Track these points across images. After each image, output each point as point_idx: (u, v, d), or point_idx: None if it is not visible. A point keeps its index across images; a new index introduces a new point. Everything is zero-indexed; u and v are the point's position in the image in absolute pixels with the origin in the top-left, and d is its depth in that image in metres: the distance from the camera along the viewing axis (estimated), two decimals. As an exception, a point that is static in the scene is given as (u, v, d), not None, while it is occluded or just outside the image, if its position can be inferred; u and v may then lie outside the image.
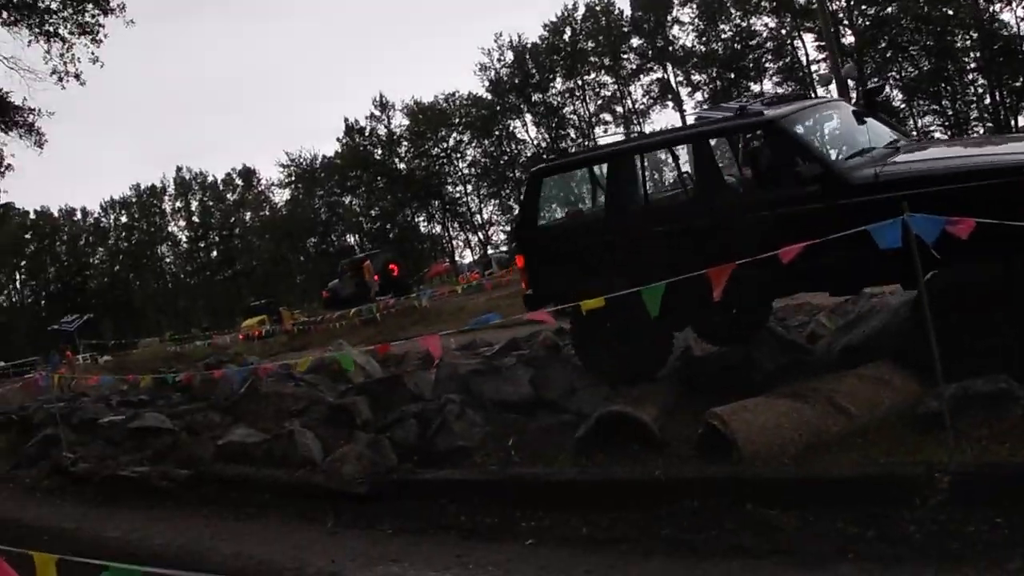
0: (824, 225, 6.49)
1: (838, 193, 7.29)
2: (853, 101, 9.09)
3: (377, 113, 79.86)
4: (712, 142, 8.99)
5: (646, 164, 9.80)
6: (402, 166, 79.24)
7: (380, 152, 79.36)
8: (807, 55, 71.35)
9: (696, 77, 74.44)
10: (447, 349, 11.86)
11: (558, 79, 76.70)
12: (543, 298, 9.07)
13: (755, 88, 69.42)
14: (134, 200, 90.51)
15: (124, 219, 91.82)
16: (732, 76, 73.52)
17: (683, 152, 10.09)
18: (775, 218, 7.56)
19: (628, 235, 8.43)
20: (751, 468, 5.79)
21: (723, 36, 72.86)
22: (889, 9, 68.33)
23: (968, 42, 68.01)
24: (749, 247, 6.59)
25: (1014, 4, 66.80)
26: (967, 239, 5.50)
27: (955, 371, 5.98)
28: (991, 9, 67.31)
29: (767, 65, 73.15)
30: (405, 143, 79.83)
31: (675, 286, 6.72)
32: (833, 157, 7.92)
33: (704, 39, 73.11)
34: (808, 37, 70.49)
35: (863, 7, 68.68)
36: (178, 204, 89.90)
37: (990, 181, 6.59)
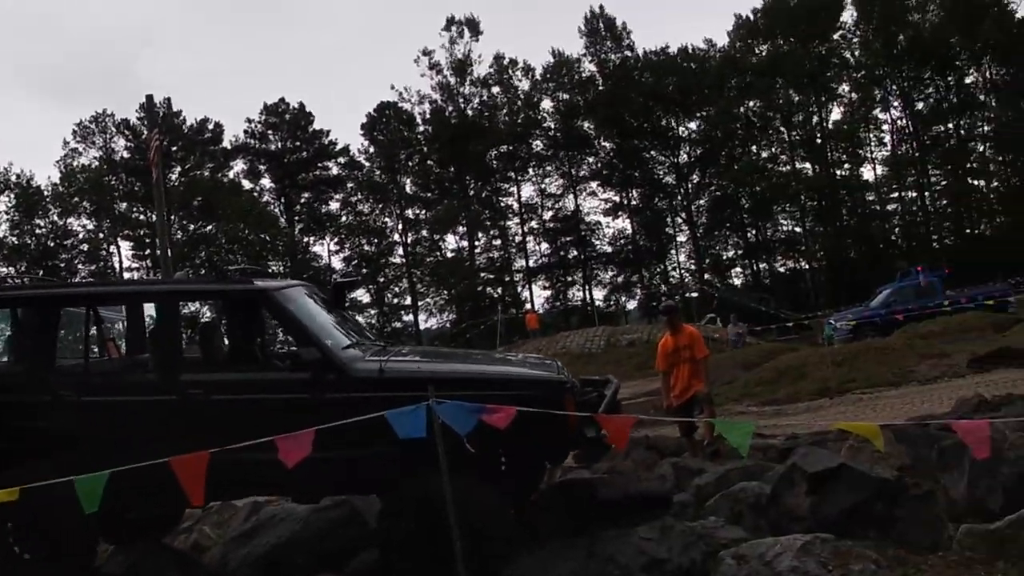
0: (307, 418, 7.04)
1: (333, 384, 7.93)
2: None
3: None
4: (179, 305, 9.36)
5: (91, 317, 9.70)
6: None
7: None
8: (121, 262, 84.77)
9: (4, 269, 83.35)
10: None
11: None
12: None
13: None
14: None
15: None
16: (41, 272, 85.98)
17: (139, 310, 10.47)
18: (241, 404, 8.00)
19: (53, 402, 8.28)
20: None
21: (38, 231, 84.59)
22: (209, 228, 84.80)
23: (283, 267, 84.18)
24: (206, 436, 7.04)
25: (326, 239, 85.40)
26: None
27: None
28: (305, 240, 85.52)
29: (79, 266, 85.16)
30: None
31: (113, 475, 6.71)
32: (327, 344, 8.23)
33: (18, 231, 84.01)
34: (125, 244, 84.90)
35: (184, 222, 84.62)
36: None
37: (521, 392, 7.85)
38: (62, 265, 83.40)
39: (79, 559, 8.31)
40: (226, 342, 9.38)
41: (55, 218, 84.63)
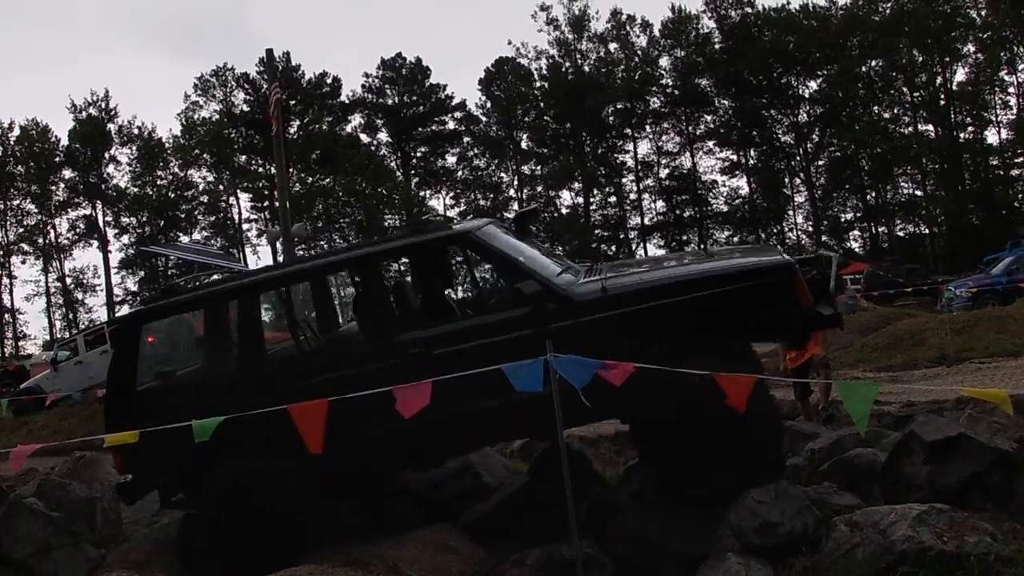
0: (537, 353, 6.79)
1: (557, 313, 7.70)
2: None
3: None
4: (382, 266, 8.73)
5: (295, 299, 9.47)
6: None
7: None
8: (240, 213, 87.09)
9: (125, 220, 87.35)
10: None
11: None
12: (148, 486, 8.61)
13: (185, 238, 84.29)
14: None
15: None
16: (162, 223, 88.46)
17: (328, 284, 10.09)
18: (465, 352, 7.77)
19: (271, 393, 7.87)
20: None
21: (159, 182, 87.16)
22: (327, 181, 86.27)
23: (399, 220, 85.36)
24: (437, 392, 6.80)
25: (442, 193, 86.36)
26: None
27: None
28: (421, 194, 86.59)
29: (199, 217, 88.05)
30: None
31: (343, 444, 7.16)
32: (542, 274, 8.00)
33: (139, 182, 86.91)
34: (244, 196, 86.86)
35: (302, 174, 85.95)
36: None
37: (753, 282, 7.62)
38: (182, 216, 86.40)
39: (287, 548, 8.09)
40: (427, 294, 9.27)
41: (176, 170, 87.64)
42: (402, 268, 38.48)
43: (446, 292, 9.15)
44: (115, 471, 9.07)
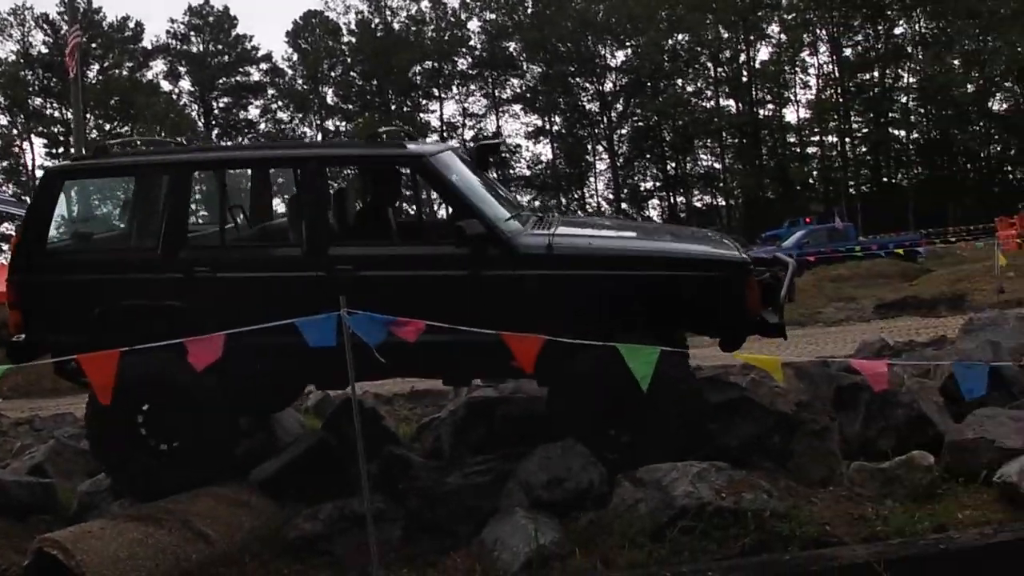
0: (466, 297, 7.05)
1: (496, 261, 7.36)
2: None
3: None
4: (327, 172, 8.35)
5: (228, 186, 8.83)
6: None
7: None
8: (34, 159, 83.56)
9: None
10: None
11: None
12: (39, 346, 8.13)
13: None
14: None
15: None
16: None
17: (267, 178, 9.67)
18: (394, 280, 7.47)
19: (186, 280, 7.64)
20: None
21: None
22: (125, 128, 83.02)
23: None
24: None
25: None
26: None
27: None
28: (222, 146, 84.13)
29: None
30: None
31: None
32: (490, 216, 7.58)
33: None
34: (38, 141, 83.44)
35: (100, 121, 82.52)
36: None
37: (698, 273, 7.45)
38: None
39: (219, 447, 7.77)
40: (366, 211, 8.82)
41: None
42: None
43: (387, 212, 8.66)
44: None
